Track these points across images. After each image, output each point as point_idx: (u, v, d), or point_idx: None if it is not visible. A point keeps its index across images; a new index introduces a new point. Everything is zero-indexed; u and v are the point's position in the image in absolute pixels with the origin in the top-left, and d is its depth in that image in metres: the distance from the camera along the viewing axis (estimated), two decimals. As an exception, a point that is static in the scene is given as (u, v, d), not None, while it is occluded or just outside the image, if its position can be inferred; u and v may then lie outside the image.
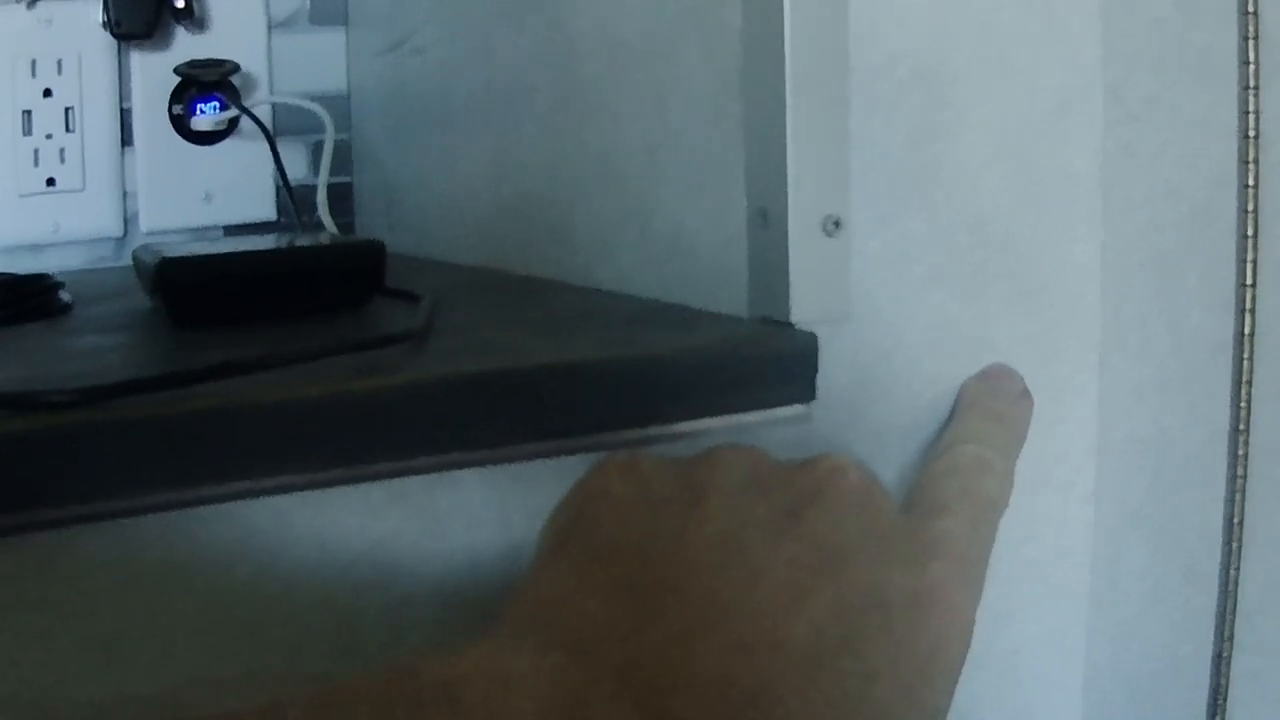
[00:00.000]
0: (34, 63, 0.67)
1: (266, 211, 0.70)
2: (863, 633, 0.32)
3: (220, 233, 0.70)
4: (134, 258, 0.53)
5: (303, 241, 0.51)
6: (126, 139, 0.68)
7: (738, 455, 0.36)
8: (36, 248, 0.68)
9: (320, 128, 0.68)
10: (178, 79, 0.67)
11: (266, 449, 0.36)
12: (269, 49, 0.69)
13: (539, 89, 0.55)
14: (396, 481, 0.38)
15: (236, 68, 0.67)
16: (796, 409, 0.42)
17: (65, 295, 0.55)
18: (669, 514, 0.34)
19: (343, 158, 0.68)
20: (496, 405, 0.38)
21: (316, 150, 0.70)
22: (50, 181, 0.68)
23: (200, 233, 0.69)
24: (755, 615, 0.31)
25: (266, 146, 0.68)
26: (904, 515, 0.36)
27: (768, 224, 0.43)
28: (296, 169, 0.69)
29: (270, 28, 0.69)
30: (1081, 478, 0.49)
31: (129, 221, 0.69)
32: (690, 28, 0.46)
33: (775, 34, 0.42)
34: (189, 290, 0.47)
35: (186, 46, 0.68)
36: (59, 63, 0.67)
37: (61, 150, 0.68)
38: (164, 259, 0.47)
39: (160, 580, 0.37)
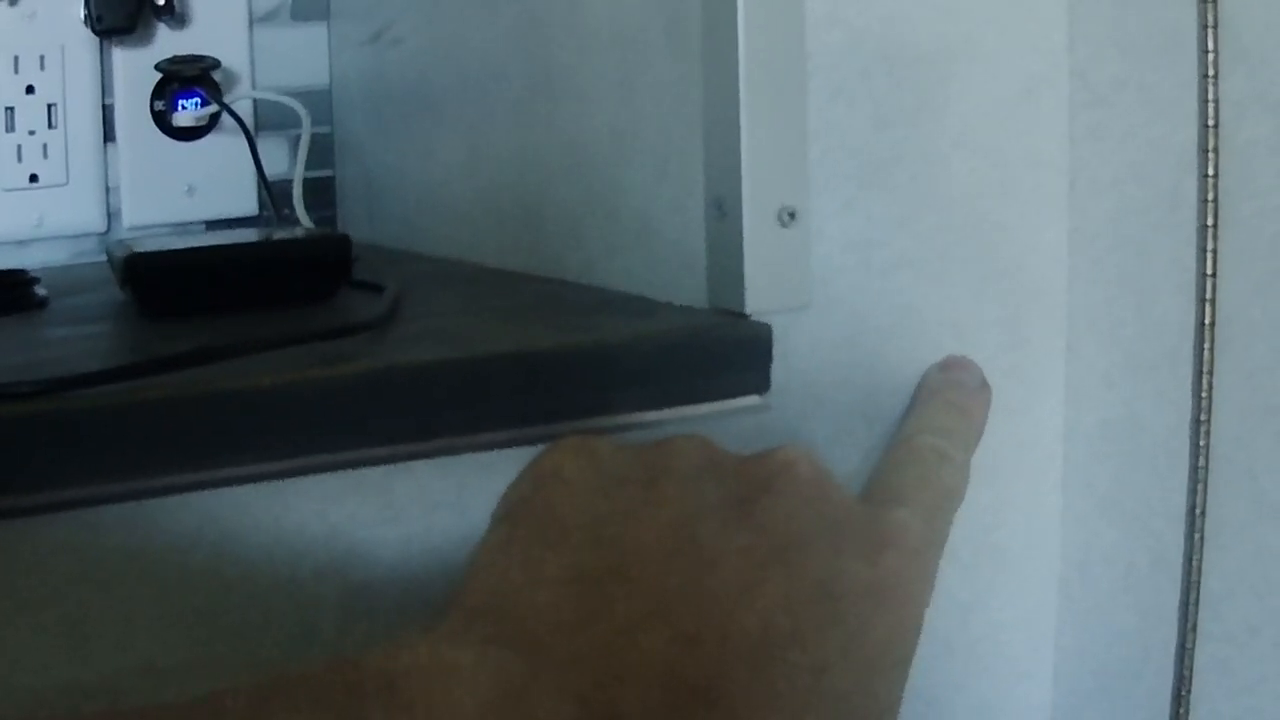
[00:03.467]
0: (16, 59, 0.69)
1: (248, 206, 0.72)
2: (813, 625, 0.32)
3: (202, 227, 0.71)
4: (107, 252, 0.54)
5: (268, 233, 0.52)
6: (109, 134, 0.70)
7: (693, 443, 0.36)
8: (20, 243, 0.70)
9: (301, 122, 0.70)
10: (159, 75, 0.69)
11: (225, 437, 0.37)
12: (250, 44, 0.71)
13: (511, 77, 0.56)
14: (354, 470, 0.40)
15: (217, 63, 0.68)
16: (752, 400, 0.43)
17: (41, 290, 0.56)
18: (622, 497, 0.34)
19: (325, 151, 0.70)
20: (452, 393, 0.40)
21: (296, 144, 0.71)
22: (33, 177, 0.69)
23: (182, 227, 0.70)
24: (704, 606, 0.32)
25: (244, 140, 0.70)
26: (860, 505, 0.36)
27: (724, 214, 0.44)
28: (279, 163, 0.71)
29: (252, 22, 0.71)
30: (1050, 464, 0.50)
31: (112, 216, 0.71)
32: (655, 14, 0.47)
33: (729, 23, 0.43)
34: (156, 283, 0.48)
35: (168, 42, 0.70)
36: (41, 59, 0.69)
37: (44, 146, 0.69)
38: (132, 253, 0.49)
39: (119, 568, 0.39)
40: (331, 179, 0.71)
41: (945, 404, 0.45)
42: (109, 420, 0.36)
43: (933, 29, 0.46)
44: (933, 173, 0.47)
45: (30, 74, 0.69)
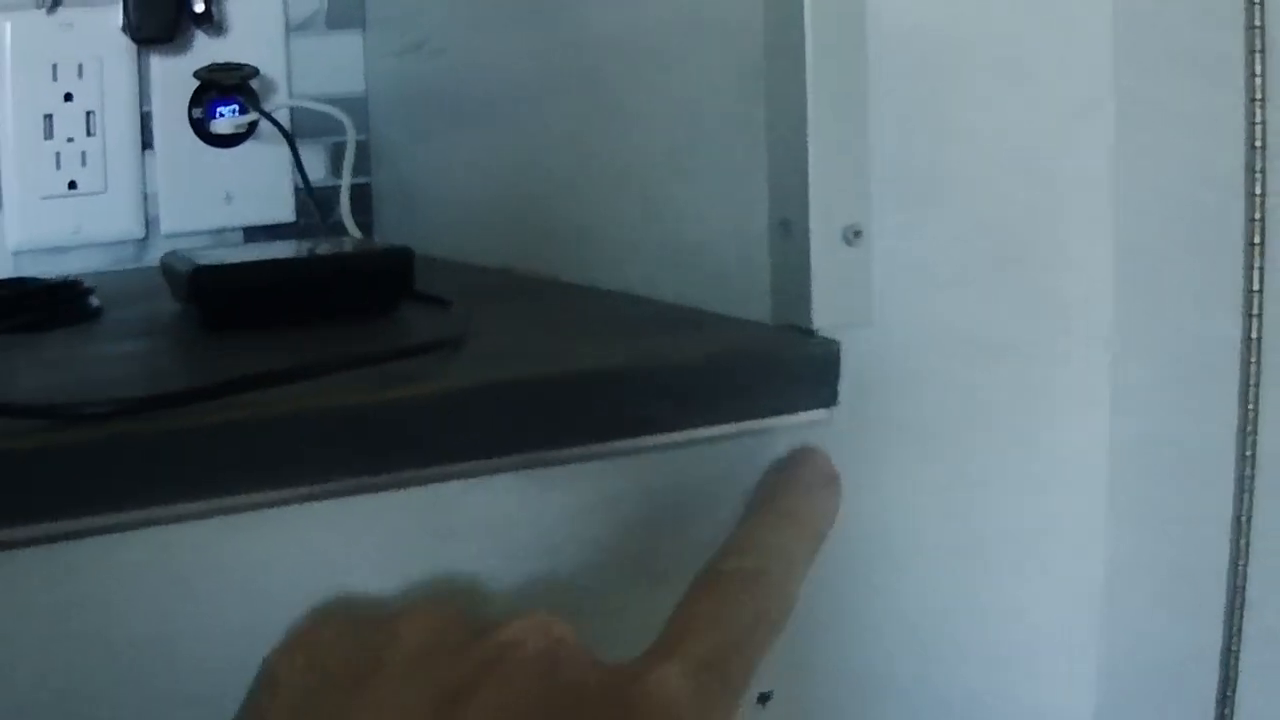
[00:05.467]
0: (55, 67, 0.70)
1: (285, 213, 0.73)
2: None
3: (240, 234, 0.72)
4: (163, 263, 0.55)
5: (327, 245, 0.53)
6: (147, 142, 0.71)
7: (423, 621, 0.35)
8: (58, 250, 0.71)
9: (338, 130, 0.71)
10: (197, 83, 0.70)
11: (307, 457, 0.39)
12: (287, 52, 0.72)
13: (560, 91, 0.58)
14: (436, 486, 0.41)
15: (255, 72, 0.69)
16: (819, 413, 0.45)
17: (95, 300, 0.57)
18: (329, 704, 0.33)
19: (360, 159, 0.71)
20: (530, 411, 0.41)
21: (335, 152, 0.72)
22: (72, 184, 0.70)
23: (219, 234, 0.71)
24: None
25: (285, 149, 0.71)
26: (605, 675, 0.34)
27: (790, 234, 0.45)
28: (315, 171, 0.72)
29: (288, 31, 0.72)
30: (1096, 474, 0.52)
31: (150, 223, 0.72)
32: (716, 34, 0.48)
33: (796, 44, 0.44)
34: (222, 297, 0.49)
35: (205, 50, 0.71)
36: (80, 67, 0.70)
37: (83, 153, 0.70)
38: (198, 266, 0.50)
39: (200, 585, 0.40)
40: (367, 186, 0.72)
41: (775, 511, 0.41)
42: (191, 440, 0.38)
43: (985, 53, 0.48)
44: (984, 193, 0.49)
45: (69, 82, 0.70)
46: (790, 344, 0.44)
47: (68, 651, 0.38)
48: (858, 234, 0.45)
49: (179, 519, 0.38)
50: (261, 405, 0.38)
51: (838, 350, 0.44)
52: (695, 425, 0.43)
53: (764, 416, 0.44)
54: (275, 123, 0.67)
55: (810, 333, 0.45)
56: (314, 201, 0.65)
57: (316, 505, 0.40)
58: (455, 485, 0.42)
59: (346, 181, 0.64)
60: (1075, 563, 0.52)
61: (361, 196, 0.71)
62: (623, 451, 0.43)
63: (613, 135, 0.55)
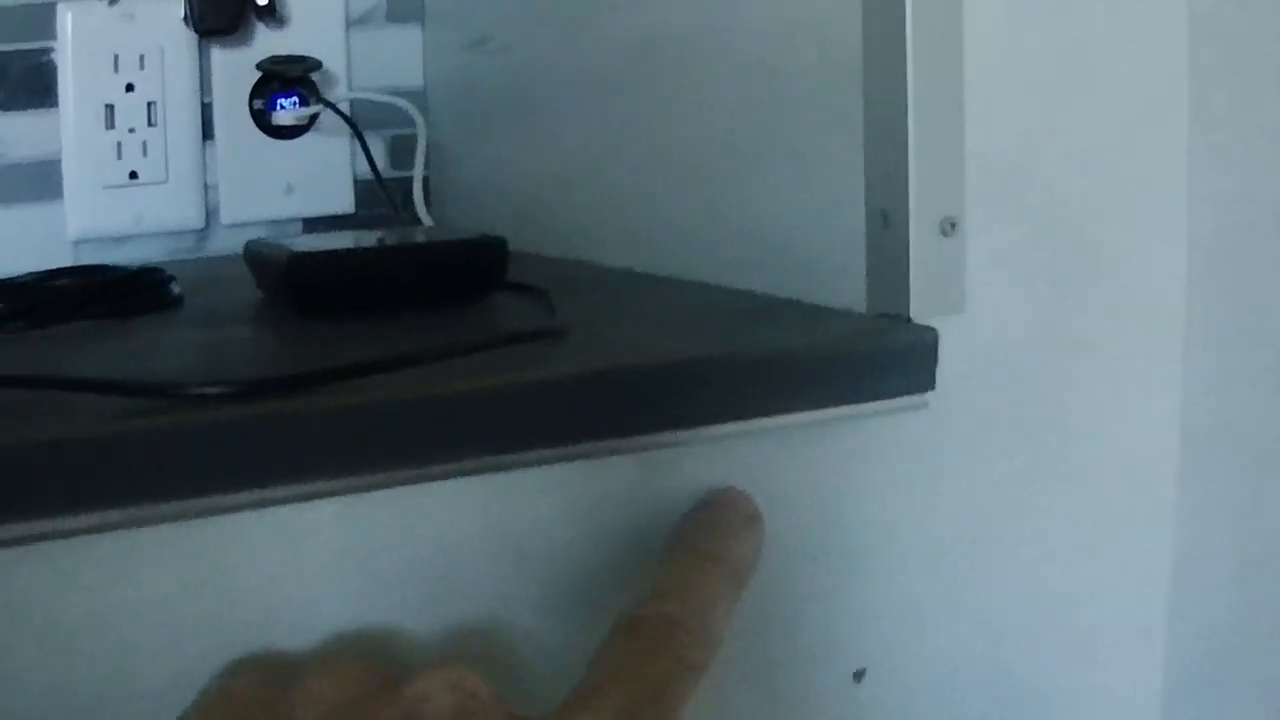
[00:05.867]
0: (116, 58, 0.70)
1: (345, 205, 0.74)
2: None
3: (299, 225, 0.73)
4: (248, 251, 0.56)
5: (420, 234, 0.54)
6: (207, 133, 0.72)
7: (336, 675, 0.35)
8: (119, 239, 0.71)
9: (395, 123, 0.72)
10: (258, 74, 0.71)
11: (439, 437, 0.40)
12: (347, 45, 0.73)
13: (634, 87, 0.59)
14: (555, 467, 0.42)
15: (318, 64, 0.70)
16: (915, 399, 0.46)
17: (176, 288, 0.58)
18: None
19: (413, 152, 0.71)
20: (637, 397, 0.42)
21: (392, 145, 0.73)
22: (133, 174, 0.71)
23: (279, 225, 0.72)
24: None
25: (345, 141, 0.72)
26: None
27: (888, 225, 0.47)
28: (376, 164, 0.72)
29: (348, 24, 0.73)
30: (1165, 462, 0.53)
31: (210, 214, 0.72)
32: (806, 34, 0.50)
33: (898, 41, 0.46)
34: (319, 283, 0.50)
35: (266, 42, 0.72)
36: (141, 57, 0.70)
37: (144, 143, 0.71)
38: (295, 253, 0.51)
39: (329, 563, 0.41)
40: (425, 179, 0.72)
41: (693, 556, 0.41)
42: (321, 423, 0.38)
43: (1063, 58, 0.50)
44: (1062, 192, 0.50)
45: (130, 72, 0.70)
46: (890, 331, 0.46)
47: (182, 633, 0.39)
48: (953, 225, 0.47)
49: (301, 499, 0.39)
50: (385, 389, 0.39)
51: (936, 338, 0.46)
52: (800, 409, 0.45)
53: (866, 401, 0.45)
54: (343, 115, 0.68)
55: (907, 320, 0.46)
56: (385, 191, 0.66)
57: (433, 486, 0.41)
58: (569, 466, 0.43)
59: (419, 172, 0.65)
60: (1144, 546, 0.53)
61: (388, 198, 0.71)
62: (728, 436, 0.44)
63: (691, 129, 0.56)
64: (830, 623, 0.47)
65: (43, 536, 0.36)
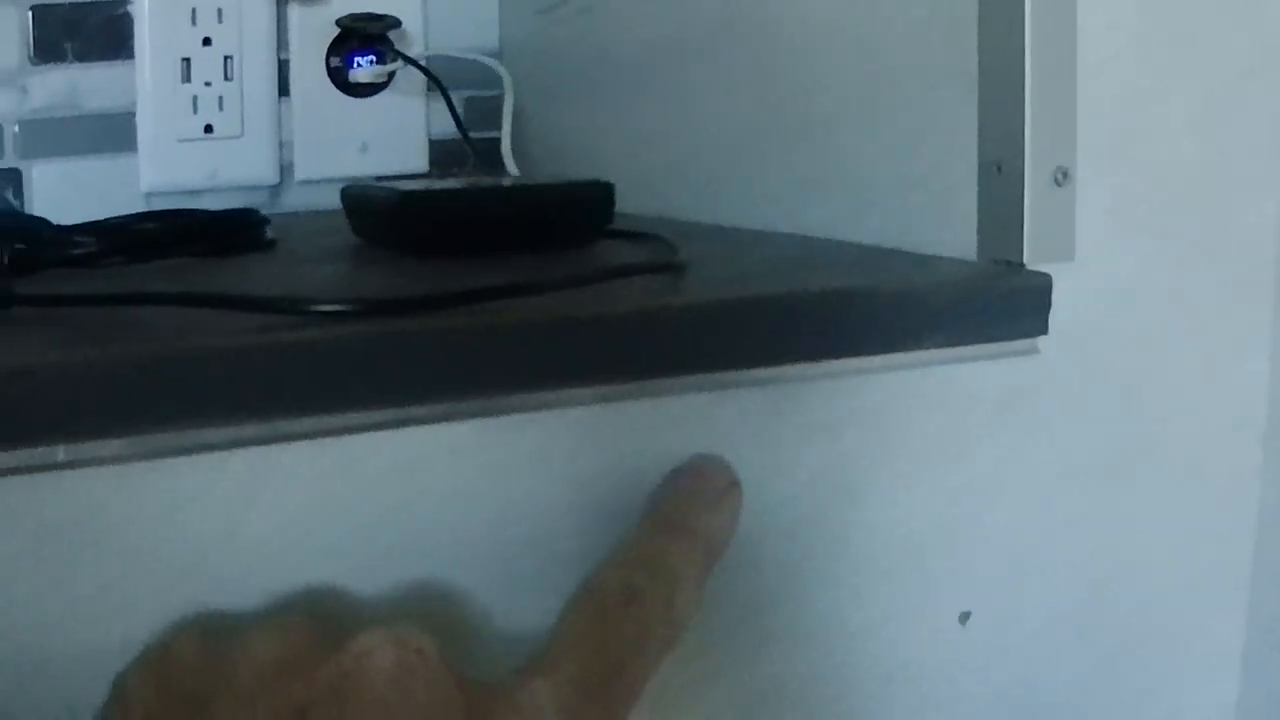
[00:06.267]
0: (194, 10, 0.71)
1: (419, 163, 0.74)
2: None
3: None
4: (347, 194, 0.57)
5: (524, 179, 0.55)
6: (283, 89, 0.72)
7: (276, 634, 0.34)
8: (193, 193, 0.72)
9: (469, 84, 0.73)
10: (335, 31, 0.71)
11: (560, 364, 0.40)
12: (424, 5, 0.73)
13: (731, 44, 0.60)
14: (684, 397, 0.43)
15: (398, 23, 0.71)
16: (1027, 343, 0.47)
17: (269, 231, 0.58)
18: None
19: (493, 113, 0.72)
20: (763, 328, 0.43)
21: (466, 105, 0.74)
22: (208, 128, 0.71)
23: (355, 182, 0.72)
24: None
25: (421, 100, 0.73)
26: (466, 691, 0.33)
27: (1002, 175, 0.48)
28: (447, 125, 0.73)
29: (424, -16, 0.73)
30: (1253, 420, 0.54)
31: (284, 170, 0.73)
32: (919, 8, 0.51)
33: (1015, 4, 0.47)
34: (431, 223, 0.51)
35: (342, 0, 0.72)
36: (219, 11, 0.71)
37: (220, 98, 0.71)
38: (406, 192, 0.51)
39: (457, 488, 0.41)
40: (495, 140, 0.73)
41: (663, 525, 0.40)
42: (456, 343, 0.39)
43: (1170, 11, 0.51)
44: (1163, 150, 0.52)
45: (208, 26, 0.71)
46: (1005, 275, 0.47)
47: (313, 551, 0.40)
48: (1065, 175, 0.48)
49: (443, 418, 0.40)
50: (519, 312, 0.40)
51: (1050, 282, 0.47)
52: (920, 347, 0.46)
53: (981, 343, 0.47)
54: (428, 72, 0.68)
55: (1020, 266, 0.48)
56: (471, 145, 0.67)
57: (573, 411, 0.42)
58: (700, 396, 0.44)
59: (506, 129, 0.65)
60: (1232, 505, 0.55)
61: (490, 150, 0.72)
62: (848, 372, 0.45)
63: (791, 86, 0.57)
64: (935, 563, 0.49)
65: (184, 450, 0.37)
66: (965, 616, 0.49)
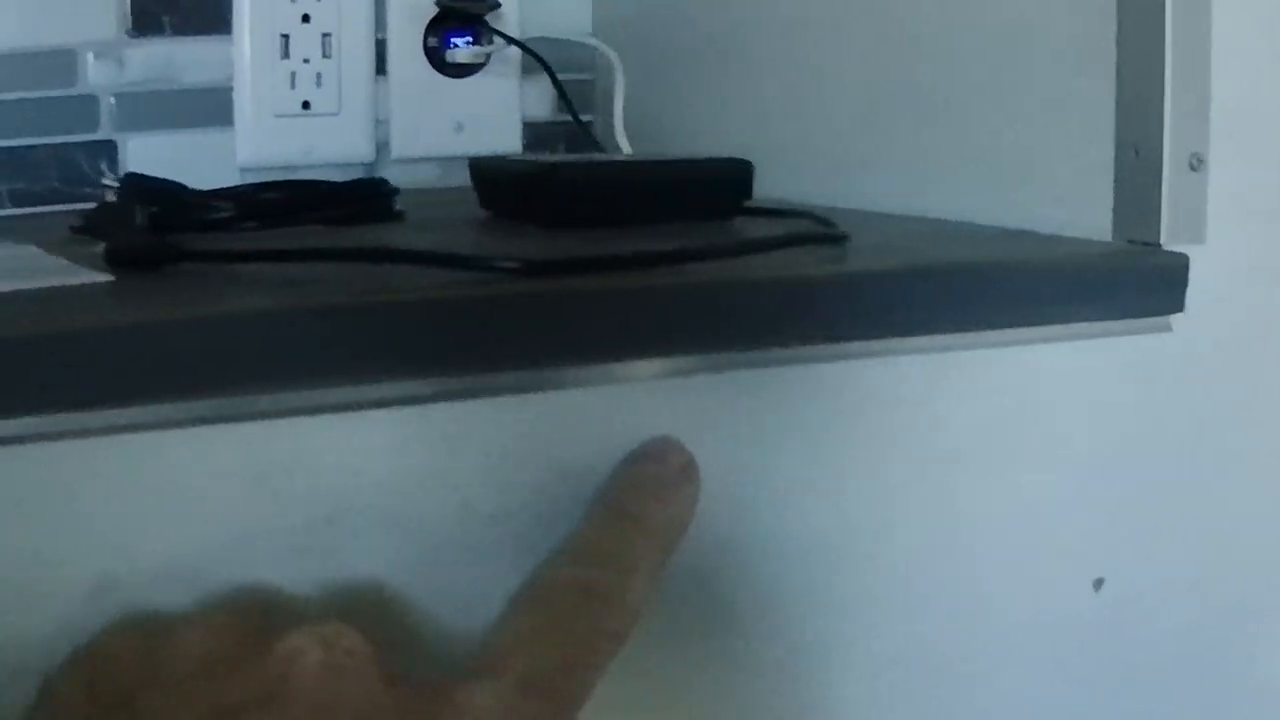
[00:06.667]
0: (293, -13, 0.72)
1: (513, 145, 0.76)
2: None
3: (466, 164, 0.75)
4: (477, 166, 0.58)
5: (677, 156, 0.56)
6: (380, 68, 0.73)
7: (205, 631, 0.33)
8: (288, 168, 0.72)
9: (560, 67, 0.74)
10: (433, 12, 0.73)
11: (771, 320, 0.42)
12: (519, -13, 0.75)
13: (856, 26, 0.62)
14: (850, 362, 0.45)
15: (498, 4, 0.72)
16: (1161, 320, 0.50)
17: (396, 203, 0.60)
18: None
19: (585, 96, 0.74)
20: (926, 297, 0.45)
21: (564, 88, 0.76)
22: (306, 105, 0.72)
23: (448, 162, 0.74)
24: None
25: (515, 82, 0.74)
26: (403, 694, 0.32)
27: (1140, 158, 0.50)
28: (541, 108, 0.75)
29: (519, -33, 0.75)
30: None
31: (379, 148, 0.74)
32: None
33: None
34: (574, 193, 0.52)
35: (440, -19, 0.73)
36: (318, -11, 0.72)
37: (318, 75, 0.72)
38: (554, 164, 0.53)
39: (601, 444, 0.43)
40: (590, 124, 0.75)
41: (613, 516, 0.38)
42: (630, 302, 0.41)
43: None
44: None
45: (307, 3, 0.72)
46: (1143, 254, 0.49)
47: (514, 500, 0.41)
48: (1200, 161, 0.50)
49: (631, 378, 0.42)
50: (696, 273, 0.42)
51: (1187, 261, 0.49)
52: (1060, 321, 0.48)
53: (1119, 318, 0.49)
54: (536, 56, 0.70)
55: (1157, 247, 0.50)
56: (586, 132, 0.68)
57: (743, 373, 0.44)
58: (847, 364, 0.46)
59: (619, 111, 0.67)
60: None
61: (581, 133, 0.74)
62: (1000, 342, 0.47)
63: (921, 68, 0.59)
64: (1068, 528, 0.51)
65: (380, 403, 0.38)
66: (1099, 583, 0.51)
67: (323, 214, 0.56)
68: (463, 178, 0.59)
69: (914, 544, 0.48)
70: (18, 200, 0.73)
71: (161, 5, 0.73)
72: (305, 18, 0.72)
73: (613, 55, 0.67)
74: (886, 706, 0.47)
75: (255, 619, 0.34)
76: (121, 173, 0.73)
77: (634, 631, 0.36)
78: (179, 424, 0.36)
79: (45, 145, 0.72)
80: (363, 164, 0.74)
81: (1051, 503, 0.50)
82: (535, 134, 0.77)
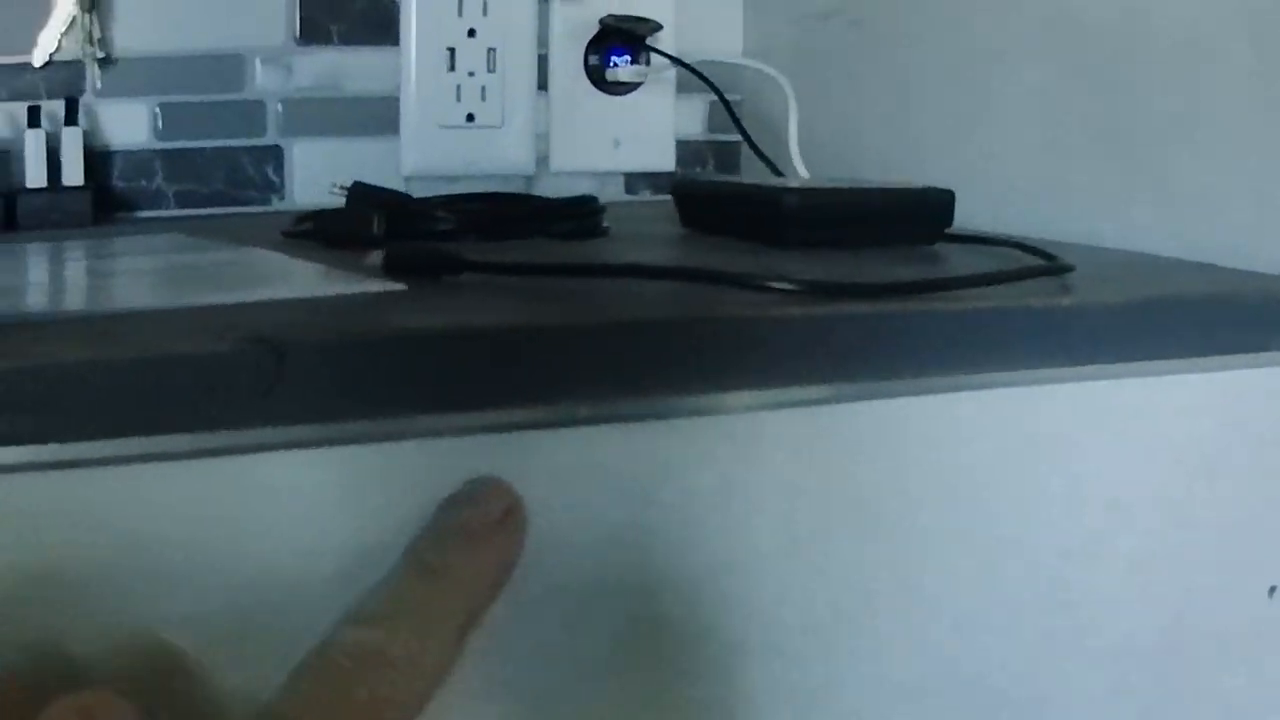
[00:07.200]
0: (460, 3, 0.74)
1: (666, 162, 0.79)
2: None
3: (621, 180, 0.77)
4: (676, 187, 0.61)
5: (886, 185, 0.59)
6: (541, 83, 0.76)
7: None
8: (449, 179, 0.75)
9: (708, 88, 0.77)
10: (594, 30, 0.75)
11: (1009, 347, 0.45)
12: (675, 10, 0.77)
13: (1038, 62, 0.65)
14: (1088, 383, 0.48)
15: (660, 26, 0.74)
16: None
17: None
18: None
19: (727, 117, 0.76)
20: (1151, 325, 0.48)
21: (713, 109, 0.78)
22: (470, 117, 0.75)
23: (604, 178, 0.76)
24: None
25: (671, 101, 0.77)
26: None
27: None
28: (692, 125, 0.77)
29: (675, -10, 0.77)
30: None
31: (538, 161, 0.76)
32: (1240, 27, 0.56)
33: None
34: (803, 217, 0.55)
35: (602, 1, 0.76)
36: (484, 4, 0.75)
37: (482, 88, 0.75)
38: (788, 189, 0.55)
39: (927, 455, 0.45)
40: (737, 144, 0.77)
41: (412, 568, 0.35)
42: (942, 323, 0.44)
43: None
44: None
45: (473, 18, 0.74)
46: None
47: (802, 507, 0.43)
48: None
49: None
50: (955, 299, 0.45)
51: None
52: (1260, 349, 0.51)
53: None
54: (704, 78, 0.73)
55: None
56: (757, 151, 0.71)
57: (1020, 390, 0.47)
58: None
59: (794, 134, 0.69)
60: None
61: (729, 154, 0.76)
62: (1210, 368, 0.50)
63: (1100, 102, 0.62)
64: (1247, 538, 0.53)
65: (695, 412, 0.41)
66: (1273, 590, 0.54)
67: (540, 229, 0.58)
68: (617, 192, 0.61)
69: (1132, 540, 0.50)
70: (182, 201, 0.75)
71: (330, 14, 0.75)
72: (471, 32, 0.74)
73: (784, 80, 0.69)
74: None
75: (46, 674, 0.32)
76: (288, 178, 0.75)
77: (434, 695, 0.33)
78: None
79: (212, 148, 0.75)
80: (523, 176, 0.76)
81: (1228, 510, 0.53)
82: (684, 152, 0.79)
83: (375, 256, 0.48)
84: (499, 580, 0.36)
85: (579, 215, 0.59)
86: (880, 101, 0.72)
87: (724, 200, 0.58)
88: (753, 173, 0.78)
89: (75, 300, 0.43)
